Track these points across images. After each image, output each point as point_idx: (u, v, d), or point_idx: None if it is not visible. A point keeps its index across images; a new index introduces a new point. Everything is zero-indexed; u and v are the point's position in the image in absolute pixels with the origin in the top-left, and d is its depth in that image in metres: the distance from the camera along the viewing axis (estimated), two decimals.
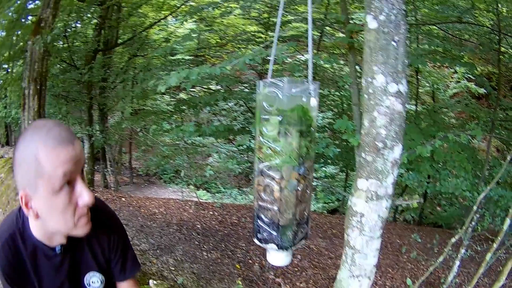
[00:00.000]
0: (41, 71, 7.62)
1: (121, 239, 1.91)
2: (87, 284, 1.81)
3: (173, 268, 6.12)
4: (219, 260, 7.00)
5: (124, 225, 1.99)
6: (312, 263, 7.84)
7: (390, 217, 15.24)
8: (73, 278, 1.76)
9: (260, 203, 1.26)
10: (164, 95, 15.41)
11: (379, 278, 7.67)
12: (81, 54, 11.79)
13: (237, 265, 7.00)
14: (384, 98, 1.97)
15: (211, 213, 9.71)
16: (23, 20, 8.80)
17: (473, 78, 17.38)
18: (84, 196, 1.45)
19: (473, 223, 7.07)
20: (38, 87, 7.56)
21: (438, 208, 16.00)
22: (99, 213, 1.77)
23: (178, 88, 12.93)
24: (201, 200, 11.11)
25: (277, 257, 1.35)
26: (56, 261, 1.67)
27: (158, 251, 6.62)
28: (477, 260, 7.54)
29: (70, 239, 1.66)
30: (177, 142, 11.75)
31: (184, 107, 10.42)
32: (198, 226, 8.60)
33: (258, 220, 1.29)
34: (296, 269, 7.45)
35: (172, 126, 10.56)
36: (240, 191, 18.00)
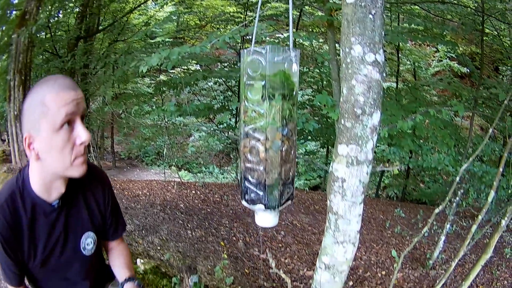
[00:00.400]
0: (26, 62, 7.68)
1: (112, 196, 2.02)
2: (83, 248, 1.87)
3: (159, 248, 6.16)
4: (203, 238, 7.05)
5: None
6: (296, 238, 7.92)
7: (372, 193, 15.38)
8: (67, 236, 1.81)
9: (247, 164, 1.31)
10: (144, 78, 15.39)
11: (363, 253, 7.76)
12: (63, 43, 11.75)
13: (222, 243, 7.07)
14: (362, 67, 2.03)
15: (193, 192, 9.76)
16: (7, 15, 8.76)
17: (455, 57, 17.44)
18: (81, 135, 1.55)
19: (457, 198, 7.16)
20: (23, 78, 7.62)
21: (422, 185, 16.13)
22: (93, 170, 1.88)
23: (158, 71, 12.91)
24: (183, 180, 11.16)
25: (265, 218, 1.39)
26: (52, 217, 1.73)
27: (143, 231, 6.66)
28: (463, 236, 7.63)
29: (68, 190, 1.73)
30: (158, 122, 11.76)
31: (164, 88, 10.45)
32: (181, 205, 8.65)
33: (245, 182, 1.34)
34: (280, 245, 7.52)
35: (153, 108, 10.59)
36: (221, 170, 18.16)
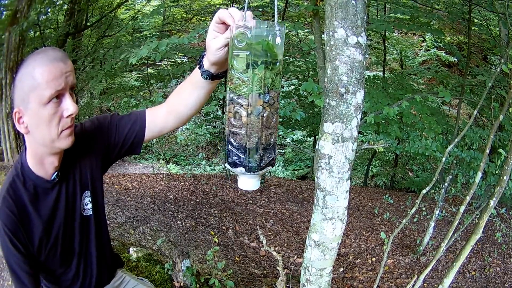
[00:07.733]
0: (17, 60, 7.74)
1: (110, 127, 1.92)
2: (82, 210, 1.89)
3: (149, 238, 6.20)
4: (193, 228, 7.12)
5: None
6: (285, 227, 8.00)
7: (360, 182, 15.44)
8: (71, 208, 1.84)
9: (230, 128, 1.39)
10: (132, 72, 15.37)
11: (353, 240, 7.83)
12: (53, 40, 11.72)
13: (212, 232, 7.13)
14: (345, 48, 2.09)
15: (182, 184, 9.85)
16: None
17: (443, 47, 17.44)
18: (69, 107, 1.57)
19: (445, 184, 7.22)
20: (15, 76, 7.71)
21: (410, 174, 16.22)
22: (82, 130, 1.88)
23: (146, 64, 12.89)
24: (171, 173, 11.25)
25: (246, 181, 1.46)
26: (53, 196, 1.75)
27: (134, 222, 6.70)
28: None
29: (64, 161, 1.76)
30: None
31: (152, 81, 10.50)
32: (171, 197, 8.73)
33: (229, 145, 1.41)
34: (270, 233, 7.59)
35: (140, 101, 10.66)
36: (209, 162, 18.33)
